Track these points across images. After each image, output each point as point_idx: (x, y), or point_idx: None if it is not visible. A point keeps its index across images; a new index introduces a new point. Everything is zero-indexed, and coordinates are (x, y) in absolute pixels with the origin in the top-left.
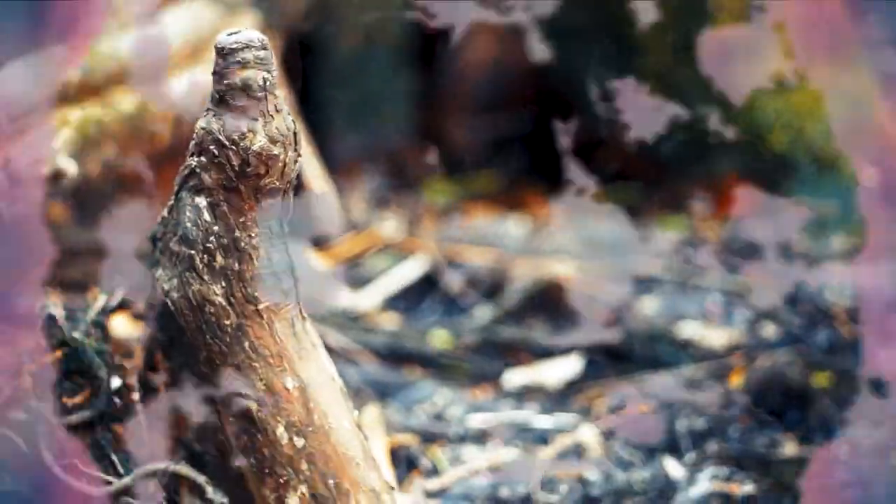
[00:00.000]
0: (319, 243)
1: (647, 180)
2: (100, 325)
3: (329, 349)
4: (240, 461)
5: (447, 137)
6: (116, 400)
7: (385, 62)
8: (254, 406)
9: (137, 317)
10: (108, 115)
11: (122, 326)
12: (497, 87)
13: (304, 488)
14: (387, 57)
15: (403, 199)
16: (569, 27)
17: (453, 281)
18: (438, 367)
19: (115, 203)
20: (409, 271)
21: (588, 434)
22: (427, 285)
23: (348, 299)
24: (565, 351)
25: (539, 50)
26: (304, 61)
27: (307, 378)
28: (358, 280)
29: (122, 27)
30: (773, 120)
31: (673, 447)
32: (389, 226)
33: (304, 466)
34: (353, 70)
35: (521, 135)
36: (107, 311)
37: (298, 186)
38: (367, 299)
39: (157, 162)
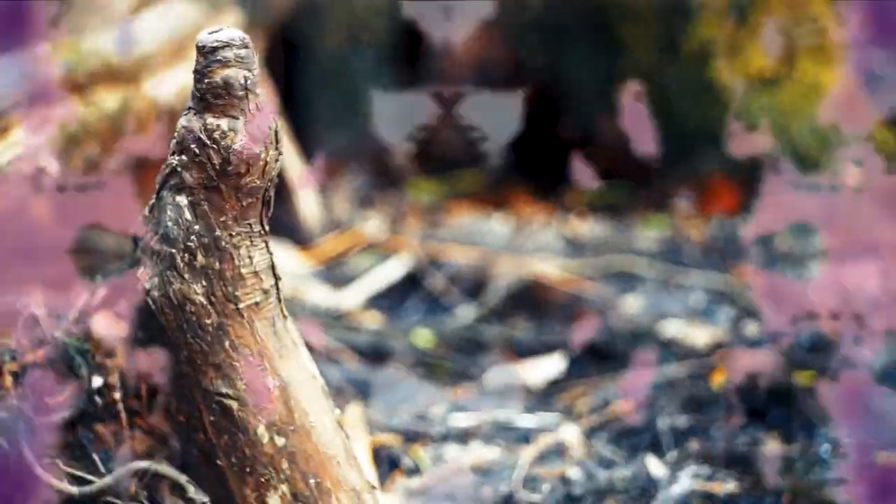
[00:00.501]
0: (303, 242)
1: (632, 179)
2: (82, 324)
3: (311, 348)
4: (221, 460)
5: (432, 136)
6: (98, 399)
7: (370, 61)
8: (234, 405)
9: (120, 315)
10: (90, 114)
11: (105, 325)
12: (482, 86)
13: (284, 487)
14: (372, 55)
15: (388, 198)
16: (554, 26)
17: (436, 280)
18: (421, 366)
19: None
20: (392, 270)
21: (570, 433)
22: (410, 284)
23: (331, 298)
24: (548, 349)
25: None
26: (287, 59)
27: (288, 377)
28: (341, 279)
29: (105, 25)
30: (757, 118)
31: (655, 446)
32: (373, 225)
33: (284, 465)
34: (337, 68)
35: (506, 135)
36: (89, 310)
37: (281, 185)
38: (351, 298)
39: (139, 160)
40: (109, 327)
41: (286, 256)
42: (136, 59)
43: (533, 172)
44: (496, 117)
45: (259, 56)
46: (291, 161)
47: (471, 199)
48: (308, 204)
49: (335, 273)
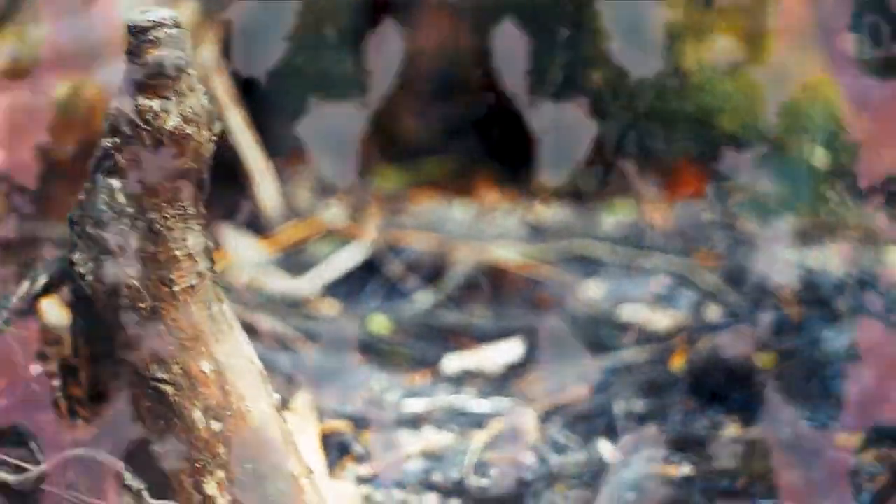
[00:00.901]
0: (262, 230)
1: (598, 165)
2: (23, 313)
3: (265, 335)
4: (157, 446)
5: (398, 124)
6: (35, 388)
7: (334, 47)
8: (170, 390)
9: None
10: (38, 102)
11: (53, 313)
12: (449, 74)
13: (221, 473)
14: (335, 42)
15: (350, 187)
16: (523, 12)
17: (395, 267)
18: (377, 352)
19: (49, 191)
20: (350, 257)
21: (525, 418)
22: (369, 271)
23: (289, 285)
24: (507, 335)
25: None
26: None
27: (224, 361)
28: (300, 266)
29: (54, 14)
30: (722, 102)
31: (610, 430)
32: (334, 213)
33: (221, 451)
34: (299, 56)
35: (474, 121)
36: (30, 298)
37: (241, 173)
38: (308, 285)
39: (90, 148)
40: (56, 315)
41: (245, 244)
42: (87, 46)
43: (499, 159)
44: (462, 103)
45: (216, 45)
46: (251, 149)
47: (435, 186)
48: (268, 192)
49: (294, 261)
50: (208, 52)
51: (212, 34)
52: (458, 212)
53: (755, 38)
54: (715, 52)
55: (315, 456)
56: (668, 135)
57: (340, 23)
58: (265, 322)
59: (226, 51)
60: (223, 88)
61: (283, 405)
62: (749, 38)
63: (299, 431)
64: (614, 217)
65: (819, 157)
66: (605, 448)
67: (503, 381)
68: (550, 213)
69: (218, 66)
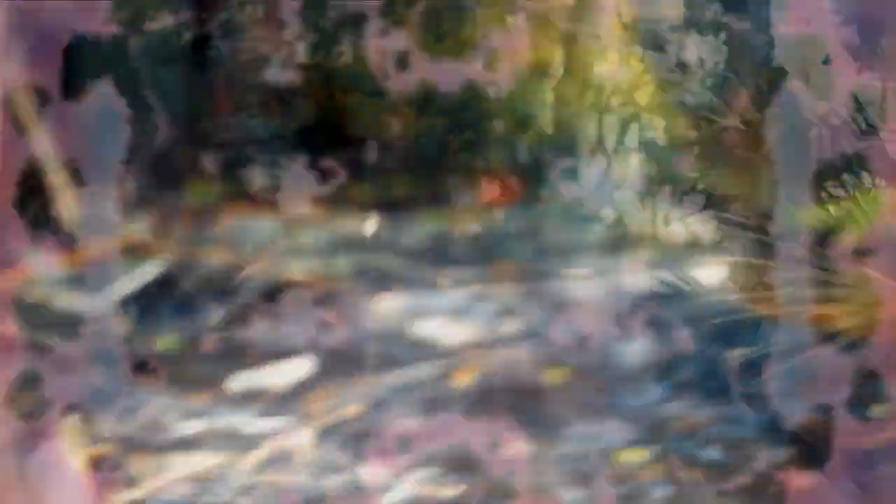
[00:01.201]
0: (63, 245)
1: (415, 174)
2: None
3: (43, 354)
4: None
5: (212, 136)
6: None
7: (154, 58)
8: None
9: None
10: None
11: None
12: (270, 85)
13: None
14: (156, 53)
15: (161, 200)
16: (345, 20)
17: (190, 283)
18: (164, 371)
19: None
20: (146, 274)
21: (301, 438)
22: (163, 287)
23: (79, 303)
24: (295, 352)
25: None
26: (66, 56)
27: None
28: (98, 283)
29: None
30: (538, 109)
31: (385, 450)
32: (140, 227)
33: None
34: (117, 66)
35: (291, 132)
36: None
37: (44, 186)
38: (99, 303)
39: None
40: None
41: (44, 260)
42: None
43: (316, 171)
44: (280, 114)
45: (20, 60)
46: (52, 164)
47: (247, 200)
48: (70, 206)
49: (91, 277)
50: (12, 68)
51: (15, 49)
52: (267, 226)
53: (573, 45)
54: (531, 58)
55: (80, 480)
56: (481, 144)
57: (158, 32)
58: (44, 340)
59: (31, 64)
60: (26, 103)
61: (49, 428)
62: (566, 43)
63: (65, 455)
64: (423, 228)
65: (635, 166)
66: (376, 468)
67: (287, 400)
68: (360, 224)
69: (22, 82)
